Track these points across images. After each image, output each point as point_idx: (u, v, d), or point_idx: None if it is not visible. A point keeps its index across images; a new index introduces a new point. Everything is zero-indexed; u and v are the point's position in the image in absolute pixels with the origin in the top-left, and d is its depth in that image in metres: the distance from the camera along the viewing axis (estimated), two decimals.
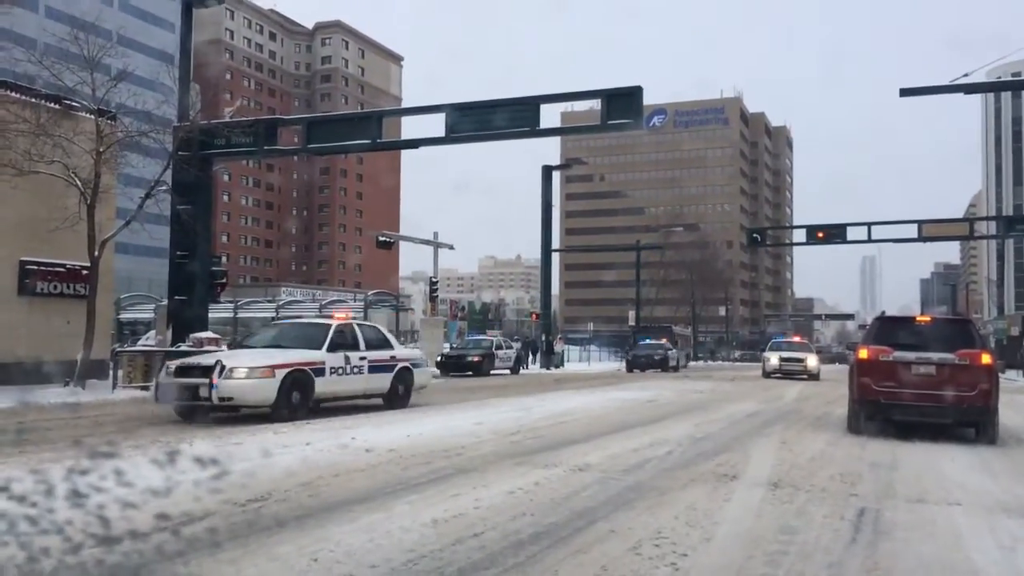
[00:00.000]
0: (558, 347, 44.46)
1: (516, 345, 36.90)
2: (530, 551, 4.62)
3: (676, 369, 40.14)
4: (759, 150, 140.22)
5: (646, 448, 9.18)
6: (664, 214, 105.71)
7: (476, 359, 30.31)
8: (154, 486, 2.21)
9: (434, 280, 40.96)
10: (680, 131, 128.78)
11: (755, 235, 50.61)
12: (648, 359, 39.29)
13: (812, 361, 32.03)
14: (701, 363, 56.77)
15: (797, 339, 38.77)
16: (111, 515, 2.12)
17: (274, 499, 5.68)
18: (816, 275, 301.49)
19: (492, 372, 30.70)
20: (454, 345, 36.49)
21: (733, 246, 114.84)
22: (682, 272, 78.70)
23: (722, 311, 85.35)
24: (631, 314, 59.56)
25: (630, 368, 39.18)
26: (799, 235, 47.74)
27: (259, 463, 7.31)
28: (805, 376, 30.88)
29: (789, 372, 31.54)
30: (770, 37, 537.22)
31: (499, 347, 33.16)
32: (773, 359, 32.37)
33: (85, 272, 19.10)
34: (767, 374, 31.68)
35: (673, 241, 75.81)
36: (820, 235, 40.89)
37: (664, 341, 44.96)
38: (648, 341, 43.91)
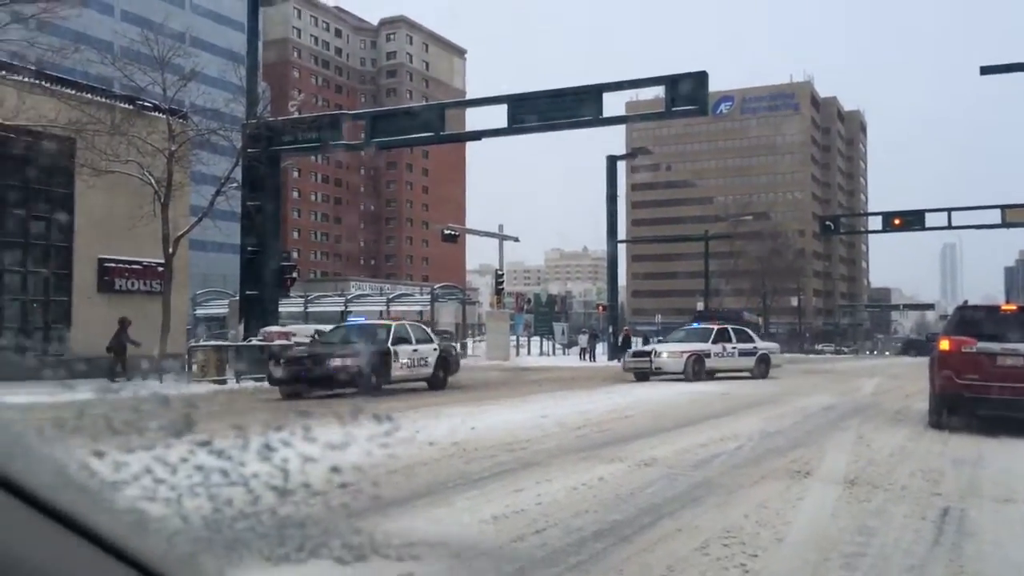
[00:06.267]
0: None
1: (438, 340, 19.25)
2: (593, 549, 4.48)
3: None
4: (831, 136, 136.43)
5: (715, 443, 8.93)
6: (733, 203, 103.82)
7: (344, 365, 15.06)
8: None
9: (500, 273, 40.99)
10: (748, 118, 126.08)
11: (828, 223, 49.42)
12: None
13: (665, 355, 20.92)
14: None
15: (718, 327, 22.88)
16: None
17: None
18: (894, 264, 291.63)
19: (387, 386, 16.53)
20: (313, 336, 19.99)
21: (805, 235, 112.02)
22: (752, 262, 77.15)
23: (794, 301, 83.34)
24: (699, 305, 58.67)
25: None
26: (874, 222, 46.51)
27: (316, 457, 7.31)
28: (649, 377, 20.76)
29: (634, 368, 21.73)
30: (843, 18, 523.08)
31: (402, 340, 17.17)
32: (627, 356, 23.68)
33: (160, 268, 19.63)
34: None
35: (742, 230, 74.28)
36: (897, 222, 39.67)
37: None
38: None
